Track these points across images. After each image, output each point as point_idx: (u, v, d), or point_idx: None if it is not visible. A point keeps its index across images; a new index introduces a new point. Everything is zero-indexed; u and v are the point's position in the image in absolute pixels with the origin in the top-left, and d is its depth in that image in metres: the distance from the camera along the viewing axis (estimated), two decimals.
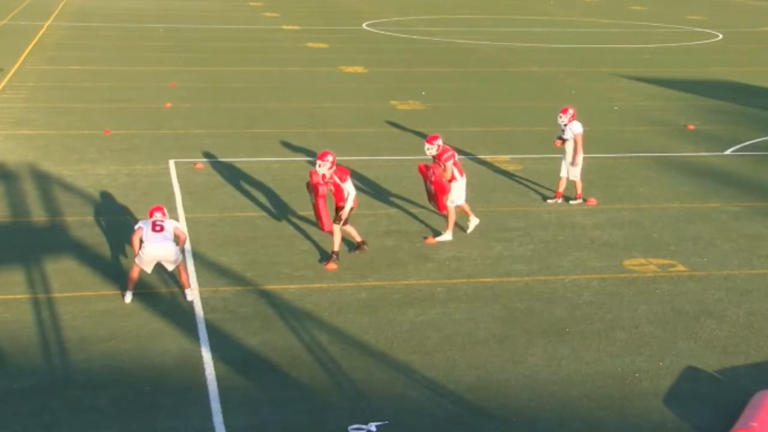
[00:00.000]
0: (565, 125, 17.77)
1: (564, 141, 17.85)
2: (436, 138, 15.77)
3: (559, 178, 17.95)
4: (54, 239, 15.48)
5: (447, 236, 15.68)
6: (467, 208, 16.06)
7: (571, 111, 17.83)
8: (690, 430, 9.96)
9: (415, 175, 19.71)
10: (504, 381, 10.90)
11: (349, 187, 14.44)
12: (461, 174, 15.83)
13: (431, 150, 15.63)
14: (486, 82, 32.29)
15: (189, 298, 13.06)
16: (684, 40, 46.33)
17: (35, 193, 17.94)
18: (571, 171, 17.76)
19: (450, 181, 15.67)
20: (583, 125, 18.09)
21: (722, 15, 60.15)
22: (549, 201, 17.97)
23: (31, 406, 10.11)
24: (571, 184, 17.93)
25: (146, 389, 10.50)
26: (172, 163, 20.26)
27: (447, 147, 15.83)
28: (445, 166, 15.55)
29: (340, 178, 14.35)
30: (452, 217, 15.75)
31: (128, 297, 13.03)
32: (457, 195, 15.75)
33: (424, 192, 18.41)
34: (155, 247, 12.91)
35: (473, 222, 16.10)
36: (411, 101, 28.01)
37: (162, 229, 13.06)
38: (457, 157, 15.87)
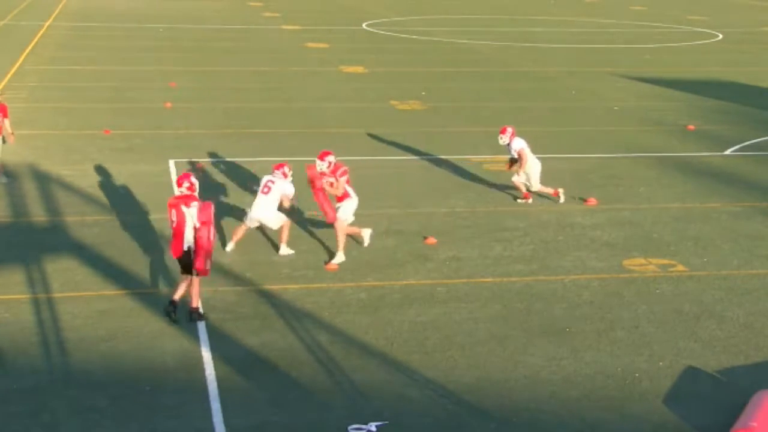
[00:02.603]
0: (508, 144, 17.51)
1: (513, 161, 17.63)
2: (327, 154, 14.81)
3: (515, 183, 17.72)
4: (54, 239, 15.48)
5: (339, 257, 14.53)
6: (355, 229, 15.07)
7: (510, 130, 17.54)
8: (690, 430, 9.96)
9: (414, 175, 19.75)
10: (504, 381, 10.91)
11: (192, 214, 12.17)
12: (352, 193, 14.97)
13: (322, 166, 14.69)
14: (486, 82, 32.29)
15: (281, 252, 14.47)
16: (684, 40, 46.34)
17: (35, 193, 17.94)
18: (529, 181, 17.53)
19: (342, 198, 14.81)
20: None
21: (722, 15, 60.15)
22: (519, 201, 17.80)
23: (31, 406, 10.11)
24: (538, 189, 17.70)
25: (146, 389, 10.50)
26: (172, 163, 20.26)
27: (339, 164, 14.88)
28: (338, 180, 14.66)
29: (185, 203, 12.28)
30: (344, 234, 14.68)
31: (229, 246, 14.69)
32: (347, 213, 14.83)
33: (423, 192, 18.44)
34: (255, 209, 14.44)
35: (366, 233, 15.18)
36: (411, 101, 28.01)
37: (268, 191, 13.96)
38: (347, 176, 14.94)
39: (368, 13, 55.55)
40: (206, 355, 11.35)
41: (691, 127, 25.14)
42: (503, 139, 17.53)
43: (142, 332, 11.94)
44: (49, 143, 21.82)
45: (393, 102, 27.87)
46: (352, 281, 13.84)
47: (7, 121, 18.64)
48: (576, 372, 11.15)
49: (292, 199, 14.81)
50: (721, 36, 48.12)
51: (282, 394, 10.46)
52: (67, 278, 13.71)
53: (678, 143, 23.36)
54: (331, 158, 14.86)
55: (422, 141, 22.76)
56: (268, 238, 15.57)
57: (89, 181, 18.71)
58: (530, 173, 17.53)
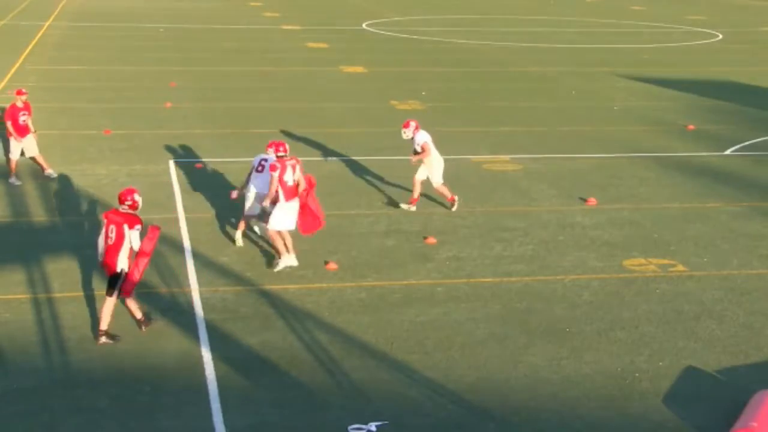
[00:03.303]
0: (412, 138, 17.03)
1: (417, 154, 17.09)
2: (270, 146, 14.53)
3: (415, 181, 17.20)
4: (54, 239, 15.48)
5: (289, 261, 14.18)
6: (287, 243, 14.21)
7: (413, 123, 17.08)
8: (690, 430, 9.96)
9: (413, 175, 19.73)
10: (504, 381, 10.91)
11: (134, 238, 11.67)
12: (285, 197, 14.07)
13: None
14: (486, 82, 32.29)
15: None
16: (684, 40, 46.34)
17: (35, 193, 17.94)
18: (431, 177, 17.03)
19: (273, 201, 14.12)
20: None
21: (722, 15, 60.15)
22: (403, 206, 17.20)
23: (31, 406, 10.11)
24: (430, 188, 17.27)
25: (146, 389, 10.50)
26: (172, 163, 20.27)
27: (280, 160, 14.05)
28: (271, 176, 14.10)
29: (129, 224, 11.72)
30: (279, 241, 14.14)
31: (238, 235, 15.07)
32: (277, 219, 14.08)
33: (424, 192, 18.44)
34: (251, 187, 14.96)
35: (284, 262, 14.18)
36: (411, 101, 28.00)
37: (263, 169, 14.84)
38: (291, 176, 14.05)
39: (368, 13, 55.55)
40: (206, 355, 11.35)
41: (691, 127, 25.14)
42: (407, 133, 17.05)
43: (142, 332, 11.94)
44: (49, 143, 21.78)
45: (393, 102, 27.87)
46: (352, 281, 13.84)
47: (29, 120, 18.73)
48: (576, 372, 11.15)
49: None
50: (721, 36, 48.12)
51: (282, 394, 10.46)
52: (67, 278, 13.71)
53: (678, 143, 23.36)
54: (271, 151, 14.26)
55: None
56: (268, 238, 15.57)
57: (89, 181, 18.71)
58: (432, 168, 17.00)
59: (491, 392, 10.62)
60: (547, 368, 11.22)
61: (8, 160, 18.69)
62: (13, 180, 18.45)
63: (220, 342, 11.72)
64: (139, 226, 11.66)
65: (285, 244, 14.23)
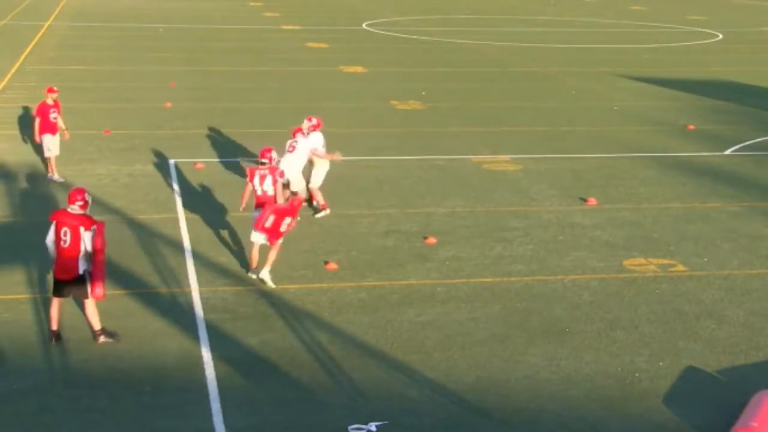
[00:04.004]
0: (306, 135, 16.77)
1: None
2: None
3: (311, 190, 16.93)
4: None
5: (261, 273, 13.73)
6: (253, 252, 13.84)
7: (315, 120, 16.94)
8: (690, 430, 9.96)
9: (414, 175, 19.74)
10: (504, 381, 10.91)
11: (88, 239, 11.30)
12: (255, 205, 14.03)
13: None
14: (486, 82, 32.29)
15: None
16: (684, 40, 46.34)
17: (35, 193, 17.94)
18: (315, 178, 16.84)
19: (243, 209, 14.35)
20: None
21: (722, 15, 60.15)
22: (318, 216, 16.70)
23: (31, 406, 10.11)
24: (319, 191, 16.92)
25: (146, 389, 10.50)
26: (172, 163, 20.27)
27: (254, 167, 14.15)
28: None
29: (84, 226, 11.35)
30: (254, 250, 13.86)
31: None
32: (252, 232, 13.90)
33: (423, 192, 18.45)
34: (282, 165, 14.71)
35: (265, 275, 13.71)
36: (411, 101, 28.01)
37: (293, 149, 15.58)
38: (258, 186, 13.92)
39: (368, 13, 55.55)
40: (206, 355, 11.35)
41: (691, 127, 25.14)
42: (304, 125, 16.85)
43: (142, 332, 11.94)
44: None
45: (393, 102, 27.87)
46: (352, 281, 13.84)
47: (60, 119, 18.89)
48: (576, 372, 11.15)
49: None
50: (721, 36, 48.12)
51: (282, 394, 10.46)
52: None
53: (678, 143, 23.36)
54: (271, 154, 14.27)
55: (422, 141, 22.77)
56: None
57: (89, 181, 18.69)
58: (318, 170, 16.85)
59: (491, 392, 10.62)
60: (547, 368, 11.22)
61: (46, 158, 18.88)
62: (56, 178, 18.55)
63: (220, 342, 11.72)
64: (94, 227, 11.29)
65: (267, 256, 13.75)
